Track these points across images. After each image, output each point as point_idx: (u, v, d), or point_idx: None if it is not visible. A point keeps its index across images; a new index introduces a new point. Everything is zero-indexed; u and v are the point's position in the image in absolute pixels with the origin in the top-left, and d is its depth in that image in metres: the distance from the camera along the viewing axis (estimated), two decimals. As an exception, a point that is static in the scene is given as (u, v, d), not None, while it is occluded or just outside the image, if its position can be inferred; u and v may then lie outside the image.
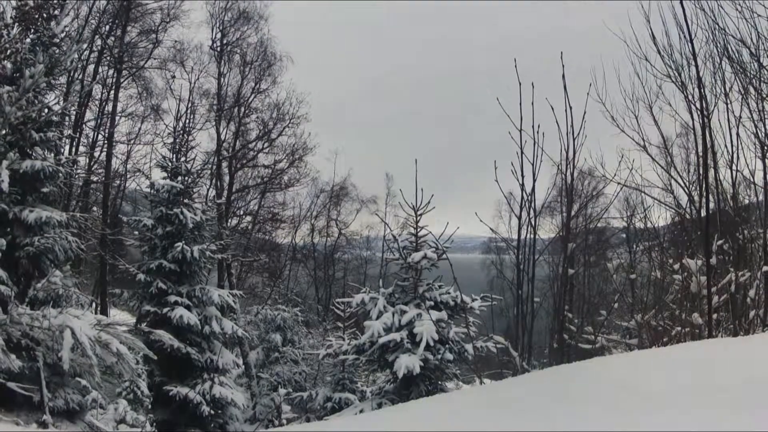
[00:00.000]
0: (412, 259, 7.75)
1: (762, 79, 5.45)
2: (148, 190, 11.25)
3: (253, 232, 21.90)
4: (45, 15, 7.69)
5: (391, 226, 19.13)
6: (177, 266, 10.21)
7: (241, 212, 21.78)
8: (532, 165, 5.10)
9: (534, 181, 5.15)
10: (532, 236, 5.45)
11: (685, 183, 6.29)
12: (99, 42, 17.01)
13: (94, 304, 14.80)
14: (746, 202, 6.21)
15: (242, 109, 20.08)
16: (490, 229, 7.98)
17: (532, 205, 5.30)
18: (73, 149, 15.99)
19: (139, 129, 19.51)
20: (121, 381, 8.50)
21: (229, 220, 19.73)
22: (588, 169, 8.66)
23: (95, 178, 17.55)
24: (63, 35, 7.86)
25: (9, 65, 7.34)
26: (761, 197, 5.69)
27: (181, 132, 13.94)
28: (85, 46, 14.98)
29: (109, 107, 17.76)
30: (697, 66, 5.28)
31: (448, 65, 76.42)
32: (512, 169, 5.11)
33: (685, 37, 5.38)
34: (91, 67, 17.16)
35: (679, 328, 5.56)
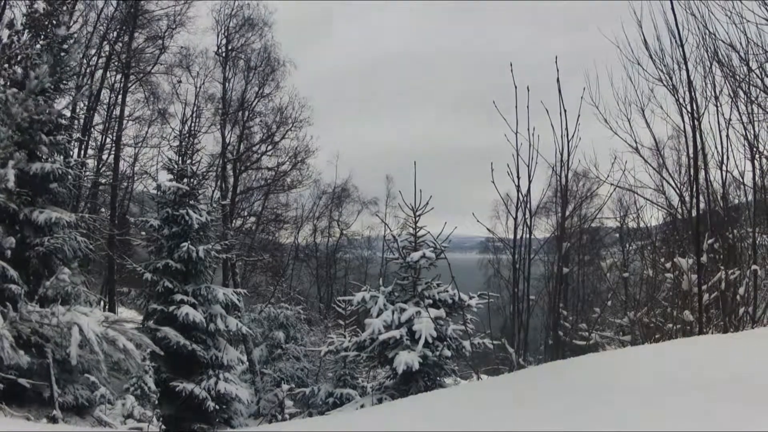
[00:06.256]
0: (411, 259, 7.91)
1: (751, 82, 5.56)
2: (155, 191, 11.42)
3: (256, 232, 22.15)
4: (54, 21, 7.87)
5: (391, 226, 19.24)
6: (183, 266, 10.39)
7: (245, 213, 22.04)
8: (528, 167, 5.21)
9: (529, 182, 5.24)
10: (527, 236, 5.56)
11: (676, 184, 6.39)
12: (107, 48, 17.30)
13: (102, 303, 15.02)
14: (736, 202, 6.31)
15: (246, 112, 20.35)
16: (487, 229, 8.14)
17: (528, 205, 5.42)
18: (82, 152, 16.23)
19: (146, 132, 19.82)
20: (129, 377, 8.67)
21: (234, 221, 19.96)
22: (582, 170, 8.78)
23: (103, 180, 17.81)
24: (72, 41, 8.05)
25: (19, 70, 7.52)
26: (750, 197, 5.79)
27: (187, 135, 14.20)
28: (93, 52, 15.24)
29: (117, 111, 18.06)
30: (687, 70, 5.38)
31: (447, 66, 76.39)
32: (508, 171, 5.23)
33: (676, 41, 5.48)
34: (99, 73, 17.47)
35: (670, 325, 5.65)
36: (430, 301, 7.89)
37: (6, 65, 7.05)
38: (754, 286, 5.29)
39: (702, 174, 5.50)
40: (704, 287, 5.22)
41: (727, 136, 5.48)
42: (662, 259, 6.32)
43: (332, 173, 35.91)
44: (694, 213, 5.57)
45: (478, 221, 5.68)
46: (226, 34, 19.55)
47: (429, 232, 8.05)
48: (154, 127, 19.90)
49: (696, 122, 5.31)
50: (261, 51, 20.23)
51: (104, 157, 18.10)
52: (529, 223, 5.48)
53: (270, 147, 21.56)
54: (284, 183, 22.34)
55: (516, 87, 4.98)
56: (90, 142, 17.25)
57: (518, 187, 5.25)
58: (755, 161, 5.48)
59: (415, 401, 3.67)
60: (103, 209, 18.37)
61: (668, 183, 6.34)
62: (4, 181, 5.04)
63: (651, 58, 5.80)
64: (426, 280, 8.16)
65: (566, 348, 6.14)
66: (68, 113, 8.74)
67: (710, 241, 5.43)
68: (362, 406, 7.34)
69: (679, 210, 6.18)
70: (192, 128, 18.23)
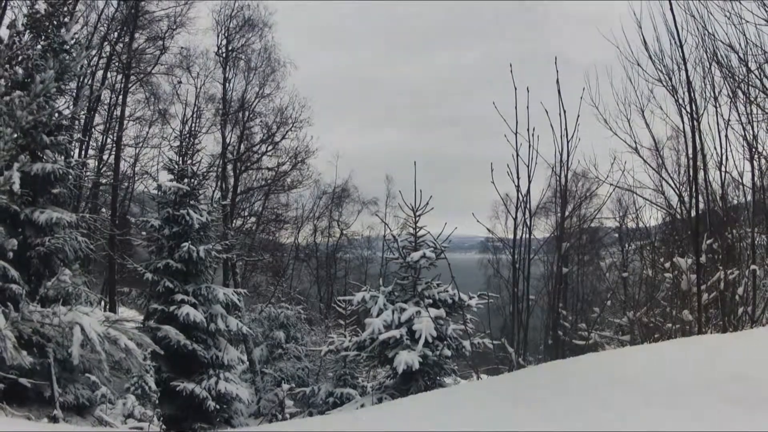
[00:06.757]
0: (411, 259, 7.94)
1: (750, 83, 5.58)
2: (156, 191, 11.44)
3: (257, 232, 22.20)
4: (55, 22, 7.89)
5: (391, 226, 19.27)
6: (183, 265, 10.41)
7: (246, 213, 22.10)
8: (528, 167, 5.22)
9: (529, 182, 5.26)
10: (527, 236, 5.58)
11: (675, 184, 6.41)
12: (108, 48, 17.32)
13: (103, 302, 15.05)
14: (735, 202, 6.33)
15: (247, 113, 20.38)
16: (487, 229, 8.18)
17: (528, 205, 5.44)
18: (83, 152, 16.28)
19: (147, 133, 19.88)
20: (130, 377, 8.69)
21: (234, 221, 20.00)
22: (582, 170, 8.80)
23: (104, 181, 17.85)
24: (73, 42, 8.06)
25: (20, 71, 7.53)
26: (749, 198, 5.81)
27: (188, 135, 14.24)
28: (94, 52, 15.26)
29: (118, 112, 18.08)
30: (687, 71, 5.41)
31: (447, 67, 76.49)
32: (508, 171, 5.25)
33: (675, 42, 5.51)
34: (100, 73, 17.52)
35: (670, 325, 5.69)
36: (430, 301, 7.91)
37: (7, 66, 7.06)
38: (753, 286, 5.32)
39: (701, 174, 5.53)
40: (703, 287, 5.25)
41: (726, 136, 5.51)
42: (661, 259, 6.35)
43: (332, 173, 36.01)
44: (693, 213, 5.60)
45: (477, 221, 5.70)
46: (226, 34, 19.60)
47: (429, 232, 8.09)
48: (154, 127, 19.98)
49: (695, 123, 5.34)
50: (261, 51, 20.31)
51: (105, 157, 18.15)
52: (528, 223, 5.50)
53: (270, 147, 21.63)
54: (284, 183, 22.40)
55: (516, 88, 5.00)
56: (91, 143, 17.30)
57: (518, 187, 5.27)
58: (754, 162, 5.51)
59: (415, 401, 3.67)
60: (103, 209, 18.42)
61: (667, 183, 6.38)
62: (9, 183, 5.06)
63: (650, 58, 5.83)
64: (426, 280, 8.18)
65: (566, 347, 6.16)
66: (69, 113, 8.74)
67: (709, 241, 5.45)
68: (362, 406, 7.36)
69: (678, 210, 6.21)
70: (192, 129, 18.31)
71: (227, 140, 19.74)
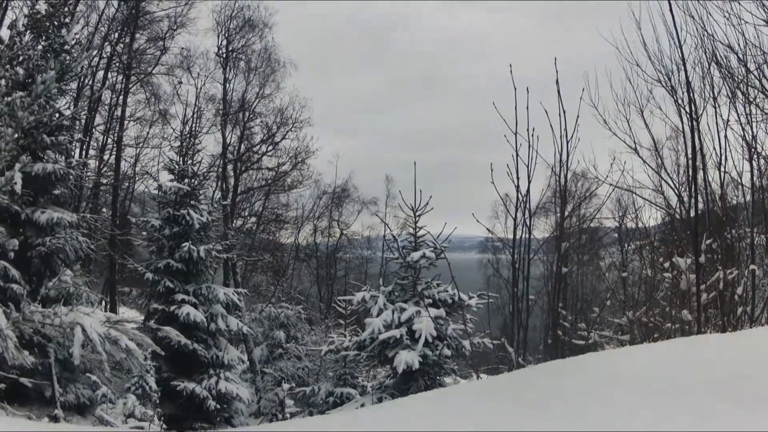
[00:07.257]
0: (411, 259, 7.95)
1: (749, 83, 5.59)
2: (156, 191, 11.49)
3: (257, 232, 22.23)
4: (56, 23, 7.91)
5: (391, 226, 19.27)
6: (184, 265, 10.43)
7: (246, 213, 22.13)
8: (527, 167, 5.22)
9: (529, 182, 5.26)
10: (527, 236, 5.59)
11: (674, 184, 6.43)
12: (108, 49, 17.35)
13: (103, 303, 15.09)
14: (734, 202, 6.34)
15: (247, 113, 20.41)
16: (487, 229, 8.19)
17: (527, 205, 5.44)
18: (84, 152, 16.31)
19: (147, 133, 19.86)
20: (130, 376, 8.72)
21: (234, 221, 20.03)
22: (581, 171, 8.84)
23: (105, 181, 17.88)
24: (73, 42, 8.09)
25: (21, 71, 7.54)
26: (748, 198, 5.82)
27: (188, 136, 14.27)
28: (94, 53, 15.28)
29: (118, 112, 18.11)
30: (686, 71, 5.42)
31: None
32: (508, 171, 5.25)
33: (674, 43, 5.52)
34: (100, 73, 17.55)
35: (669, 325, 5.70)
36: (430, 301, 7.93)
37: (8, 66, 7.08)
38: (752, 285, 5.33)
39: (700, 174, 5.53)
40: (702, 287, 5.26)
41: (726, 136, 5.51)
42: (661, 259, 6.35)
43: (332, 173, 36.02)
44: (692, 213, 5.60)
45: (477, 221, 5.71)
46: (226, 35, 19.64)
47: (429, 232, 8.11)
48: (155, 127, 19.96)
49: (694, 123, 5.35)
50: (261, 52, 20.35)
51: (105, 157, 18.19)
52: (528, 223, 5.50)
53: (270, 147, 21.68)
54: (284, 183, 22.45)
55: (515, 88, 5.00)
56: (91, 143, 17.34)
57: (518, 187, 5.26)
58: (753, 162, 5.52)
59: (415, 400, 3.68)
60: (104, 209, 18.44)
61: (667, 183, 6.40)
62: (11, 183, 5.09)
63: (650, 59, 5.84)
64: (426, 280, 8.20)
65: (565, 347, 6.17)
66: (70, 114, 8.76)
67: (708, 241, 5.46)
68: (362, 405, 7.38)
69: (678, 210, 6.23)
70: (193, 129, 18.37)
71: (227, 140, 19.80)
